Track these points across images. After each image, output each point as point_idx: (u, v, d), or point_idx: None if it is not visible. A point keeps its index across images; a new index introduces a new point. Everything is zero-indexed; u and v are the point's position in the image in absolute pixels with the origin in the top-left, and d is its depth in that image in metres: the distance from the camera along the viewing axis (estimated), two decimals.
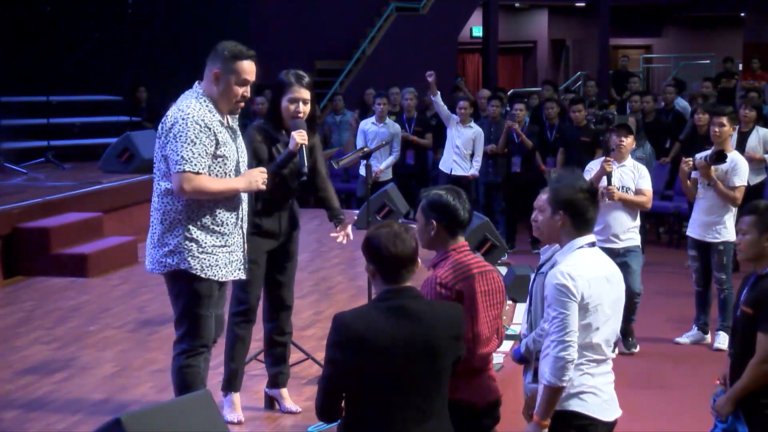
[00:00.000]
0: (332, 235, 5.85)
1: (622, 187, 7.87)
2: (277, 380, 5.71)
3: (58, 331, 7.21)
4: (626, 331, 8.12)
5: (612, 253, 7.13)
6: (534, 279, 4.85)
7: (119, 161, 11.04)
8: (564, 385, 4.09)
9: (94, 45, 13.38)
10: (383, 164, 11.96)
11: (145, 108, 14.45)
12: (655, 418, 7.01)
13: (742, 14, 26.61)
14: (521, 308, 7.09)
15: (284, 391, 5.72)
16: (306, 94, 5.36)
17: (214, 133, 4.72)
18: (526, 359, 4.78)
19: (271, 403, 5.72)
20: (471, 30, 24.79)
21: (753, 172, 10.87)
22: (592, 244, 4.24)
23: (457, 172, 12.16)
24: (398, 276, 3.71)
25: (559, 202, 4.20)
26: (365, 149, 7.36)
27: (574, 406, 4.17)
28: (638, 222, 8.04)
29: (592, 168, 7.99)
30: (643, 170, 8.04)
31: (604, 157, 7.88)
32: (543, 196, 4.82)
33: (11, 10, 12.58)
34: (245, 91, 4.81)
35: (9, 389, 5.98)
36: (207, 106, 4.75)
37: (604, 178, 7.79)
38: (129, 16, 12.33)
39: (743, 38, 26.29)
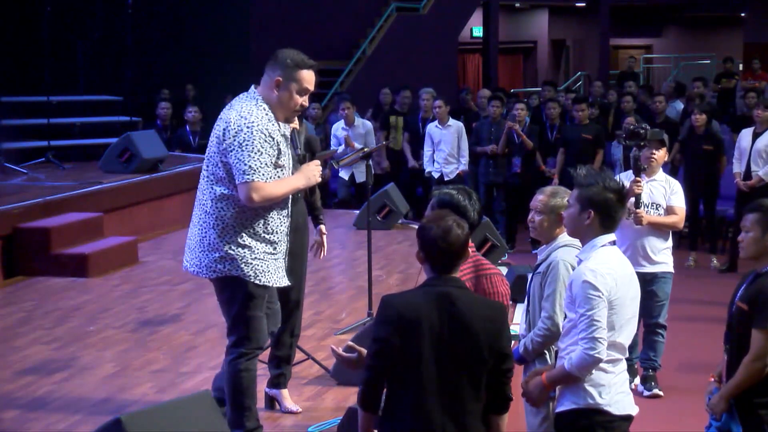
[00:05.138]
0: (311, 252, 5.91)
1: (652, 203, 7.15)
2: (278, 381, 5.71)
3: (58, 331, 7.21)
4: (647, 377, 7.46)
5: (638, 279, 7.00)
6: (531, 279, 4.86)
7: (119, 161, 11.04)
8: (583, 378, 4.16)
9: (94, 45, 13.38)
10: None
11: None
12: (654, 418, 7.02)
13: (742, 14, 26.61)
14: (521, 308, 7.09)
15: (285, 392, 5.72)
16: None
17: (277, 143, 4.70)
18: (525, 359, 4.79)
19: (271, 403, 5.72)
20: (471, 30, 24.79)
21: (763, 171, 10.77)
22: (613, 243, 4.29)
23: (447, 175, 12.09)
24: (446, 268, 3.81)
25: (590, 201, 4.23)
26: (365, 149, 7.37)
27: (595, 402, 4.20)
28: (670, 243, 7.27)
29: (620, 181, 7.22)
30: (676, 185, 7.27)
31: (633, 177, 7.02)
32: (539, 197, 4.84)
33: (11, 10, 12.58)
34: (304, 100, 4.79)
35: (9, 389, 5.98)
36: (267, 114, 4.71)
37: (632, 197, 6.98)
38: (129, 16, 12.32)
39: (743, 38, 26.30)
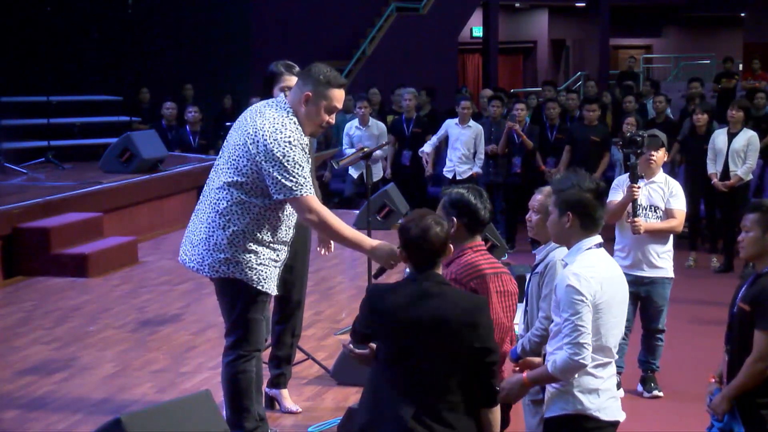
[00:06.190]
0: (317, 249, 5.92)
1: (650, 206, 6.96)
2: (278, 381, 5.71)
3: (58, 331, 7.21)
4: (647, 378, 7.39)
5: (636, 282, 6.81)
6: (529, 279, 4.86)
7: (119, 161, 11.04)
8: (565, 380, 4.14)
9: (94, 45, 13.39)
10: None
11: (147, 109, 14.48)
12: (655, 419, 7.02)
13: (742, 14, 26.63)
14: (520, 308, 7.08)
15: (284, 392, 5.73)
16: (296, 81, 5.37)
17: (307, 158, 4.69)
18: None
19: (271, 403, 5.72)
20: (471, 30, 24.82)
21: (742, 171, 10.88)
22: (600, 245, 4.24)
23: (460, 174, 12.13)
24: (426, 265, 3.90)
25: (567, 203, 4.19)
26: (365, 149, 7.36)
27: (584, 408, 4.17)
28: (670, 246, 7.04)
29: (619, 186, 7.04)
30: (676, 187, 7.04)
31: (630, 183, 6.84)
32: (537, 197, 4.83)
33: (11, 10, 12.58)
34: (331, 118, 4.75)
35: (9, 389, 5.98)
36: (298, 128, 4.66)
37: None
38: (129, 16, 12.33)
39: (743, 38, 26.33)
